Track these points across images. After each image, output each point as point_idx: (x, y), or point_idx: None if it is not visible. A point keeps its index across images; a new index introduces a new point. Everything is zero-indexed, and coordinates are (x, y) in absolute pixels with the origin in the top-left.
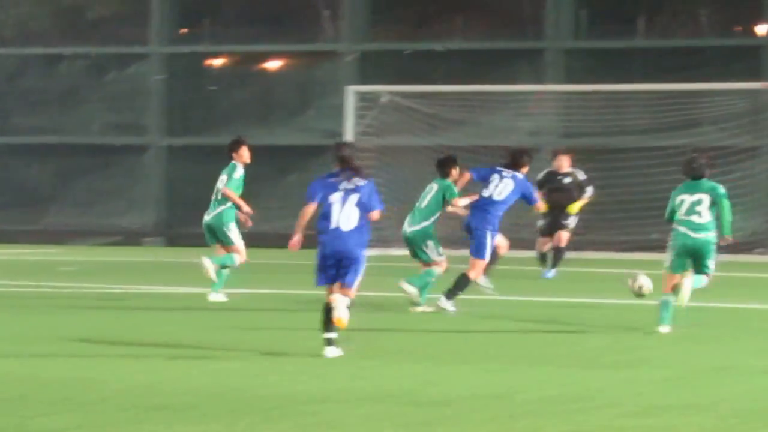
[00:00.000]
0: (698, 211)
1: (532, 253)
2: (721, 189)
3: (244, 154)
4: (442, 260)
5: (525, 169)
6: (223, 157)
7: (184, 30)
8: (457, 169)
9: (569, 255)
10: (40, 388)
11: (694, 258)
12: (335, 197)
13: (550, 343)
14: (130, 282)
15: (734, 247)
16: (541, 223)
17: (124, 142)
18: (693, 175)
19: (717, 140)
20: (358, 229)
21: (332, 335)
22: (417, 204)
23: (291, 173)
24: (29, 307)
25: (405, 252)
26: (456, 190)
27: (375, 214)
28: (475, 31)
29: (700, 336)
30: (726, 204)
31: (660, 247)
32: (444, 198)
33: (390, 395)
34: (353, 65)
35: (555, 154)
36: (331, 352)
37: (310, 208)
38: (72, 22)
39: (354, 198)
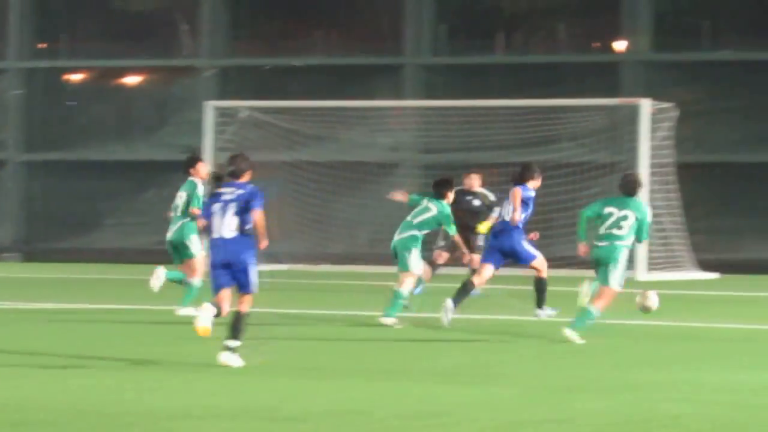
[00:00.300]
0: (622, 225)
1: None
2: (648, 215)
3: (202, 170)
4: (418, 272)
5: (532, 182)
6: (84, 172)
7: (42, 45)
8: (453, 192)
9: (439, 271)
10: None
11: (600, 266)
12: (216, 207)
13: (408, 359)
14: None
15: (586, 263)
16: (442, 243)
17: None
18: (625, 192)
19: (575, 156)
20: (240, 235)
21: (234, 344)
22: (409, 218)
23: (150, 188)
24: None
25: (272, 267)
26: (452, 217)
27: (256, 213)
28: (335, 46)
29: (557, 351)
30: (645, 228)
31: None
32: (439, 224)
33: (248, 411)
34: (212, 80)
35: (467, 172)
36: (227, 359)
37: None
38: None
39: (233, 207)
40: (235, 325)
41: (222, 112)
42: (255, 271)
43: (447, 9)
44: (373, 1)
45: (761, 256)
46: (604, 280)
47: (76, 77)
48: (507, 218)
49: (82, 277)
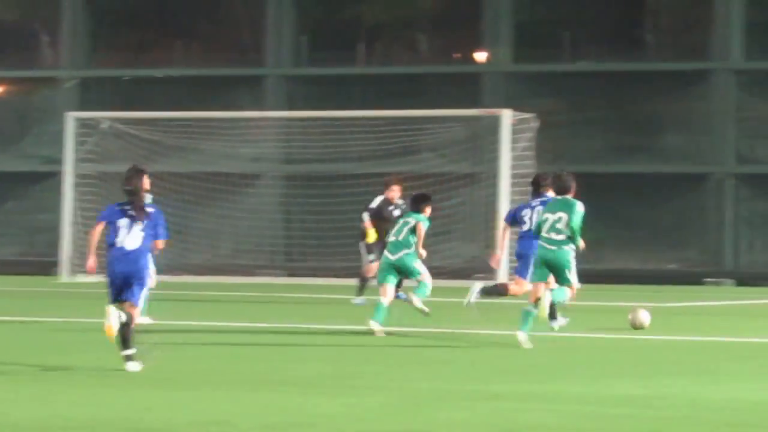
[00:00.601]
0: (558, 228)
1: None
2: (578, 206)
3: (146, 182)
4: (425, 273)
5: (549, 193)
6: None
7: None
8: (430, 207)
9: (291, 281)
10: None
11: (553, 271)
12: (122, 222)
13: (271, 368)
14: None
15: (452, 273)
16: (372, 256)
17: None
18: (557, 191)
19: (436, 166)
20: (140, 250)
21: (130, 352)
22: (393, 238)
23: (9, 200)
24: None
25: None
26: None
27: (159, 243)
28: (196, 57)
29: (420, 360)
30: (575, 217)
31: None
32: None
33: (110, 422)
34: (73, 91)
35: (388, 183)
36: (132, 366)
37: (99, 228)
38: None
39: (140, 225)
40: (125, 336)
41: (83, 123)
42: (145, 287)
43: (308, 20)
44: (234, 12)
45: (621, 266)
46: (565, 282)
47: None
48: (529, 228)
49: None
